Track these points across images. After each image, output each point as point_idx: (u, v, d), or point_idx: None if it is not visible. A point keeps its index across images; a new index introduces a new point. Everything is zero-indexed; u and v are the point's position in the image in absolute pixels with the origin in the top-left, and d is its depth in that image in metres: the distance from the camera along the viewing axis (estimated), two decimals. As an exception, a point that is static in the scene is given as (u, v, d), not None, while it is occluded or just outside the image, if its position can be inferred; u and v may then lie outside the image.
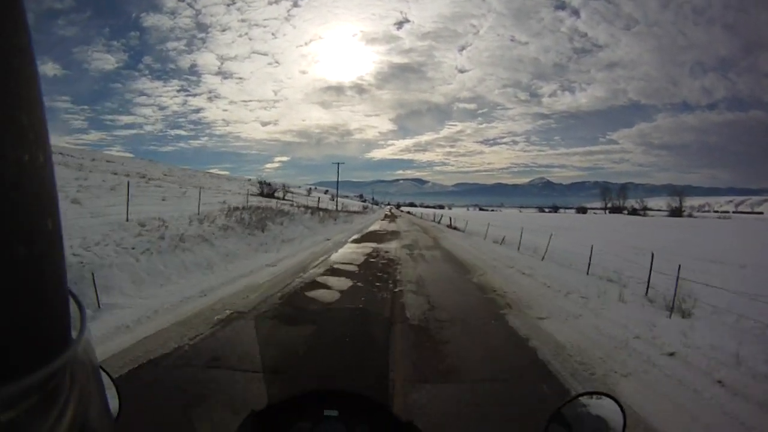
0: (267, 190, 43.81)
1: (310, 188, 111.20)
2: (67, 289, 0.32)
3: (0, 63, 0.26)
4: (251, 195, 40.10)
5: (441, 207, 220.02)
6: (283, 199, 43.42)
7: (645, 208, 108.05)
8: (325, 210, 27.79)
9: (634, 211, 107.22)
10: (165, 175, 44.91)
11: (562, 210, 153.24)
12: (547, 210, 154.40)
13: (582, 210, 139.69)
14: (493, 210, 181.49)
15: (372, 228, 23.97)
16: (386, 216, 54.60)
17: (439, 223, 30.96)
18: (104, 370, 0.82)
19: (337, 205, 46.93)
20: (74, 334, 0.33)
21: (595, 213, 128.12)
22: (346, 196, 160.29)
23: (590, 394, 1.06)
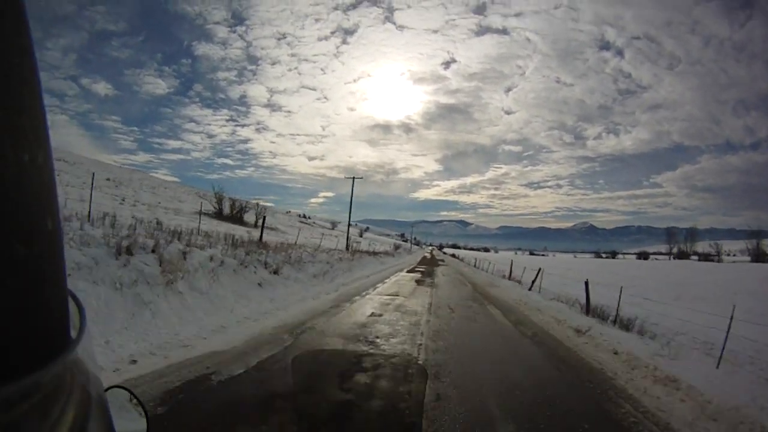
0: (232, 209, 29.21)
1: (336, 223, 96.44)
2: (66, 289, 0.32)
3: (0, 63, 0.25)
4: (206, 215, 26.04)
5: (486, 250, 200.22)
6: (255, 225, 29.07)
7: (719, 253, 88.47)
8: (283, 249, 13.11)
9: (706, 257, 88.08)
10: (108, 180, 32.44)
11: (620, 255, 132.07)
12: (603, 255, 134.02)
13: (644, 255, 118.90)
14: (543, 255, 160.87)
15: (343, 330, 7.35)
16: (423, 260, 36.92)
17: (531, 288, 12.60)
18: (132, 393, 0.83)
19: (348, 243, 29.32)
20: (74, 334, 0.32)
21: (656, 259, 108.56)
22: (387, 235, 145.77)
23: None
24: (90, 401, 0.33)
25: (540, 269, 13.23)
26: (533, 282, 12.56)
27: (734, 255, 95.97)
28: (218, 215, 27.25)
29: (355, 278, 14.59)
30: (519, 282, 15.61)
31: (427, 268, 24.55)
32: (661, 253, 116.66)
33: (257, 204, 32.28)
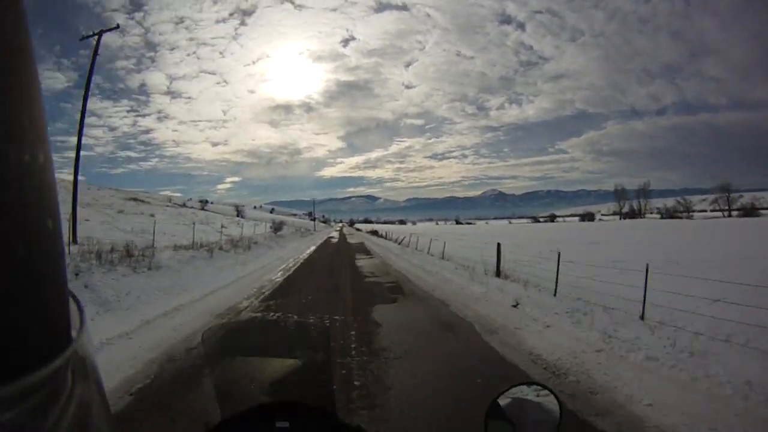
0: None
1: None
2: (67, 289, 0.32)
3: (0, 63, 0.25)
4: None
5: (402, 222, 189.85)
6: None
7: (688, 209, 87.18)
8: None
9: (670, 216, 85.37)
10: None
11: (559, 219, 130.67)
12: (541, 219, 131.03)
13: (589, 217, 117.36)
14: (470, 223, 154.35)
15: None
16: (319, 256, 14.37)
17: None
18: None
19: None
20: (74, 334, 0.32)
21: (602, 219, 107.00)
22: (294, 215, 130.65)
23: (526, 384, 1.05)
24: (90, 401, 0.32)
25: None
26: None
27: (705, 211, 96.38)
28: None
29: None
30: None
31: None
32: (610, 214, 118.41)
33: None
